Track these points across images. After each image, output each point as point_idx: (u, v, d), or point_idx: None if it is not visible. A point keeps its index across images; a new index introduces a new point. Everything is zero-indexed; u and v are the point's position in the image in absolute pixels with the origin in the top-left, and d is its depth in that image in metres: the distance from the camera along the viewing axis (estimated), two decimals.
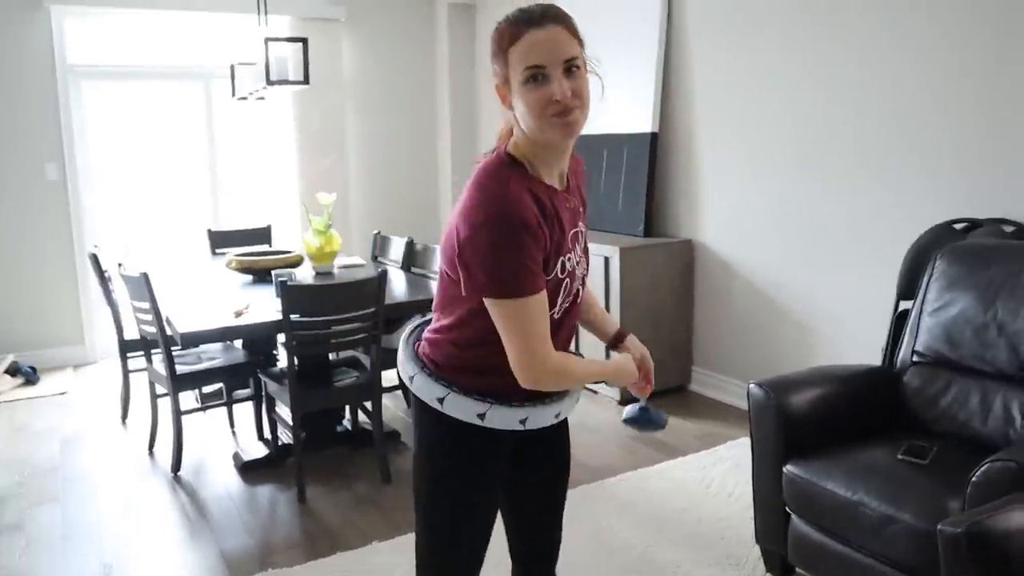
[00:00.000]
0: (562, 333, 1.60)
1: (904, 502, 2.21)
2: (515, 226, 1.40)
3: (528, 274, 1.42)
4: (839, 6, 3.70)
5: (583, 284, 1.63)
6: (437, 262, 4.40)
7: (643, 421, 1.83)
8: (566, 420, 1.77)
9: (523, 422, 1.57)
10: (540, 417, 1.59)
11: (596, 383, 1.64)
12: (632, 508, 3.26)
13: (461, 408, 1.54)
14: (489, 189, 1.44)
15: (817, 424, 2.62)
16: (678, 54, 4.55)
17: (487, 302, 1.45)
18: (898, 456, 2.42)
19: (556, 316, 1.54)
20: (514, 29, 1.43)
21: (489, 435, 1.57)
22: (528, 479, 1.76)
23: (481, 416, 1.53)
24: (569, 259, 1.54)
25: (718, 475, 3.53)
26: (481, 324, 1.49)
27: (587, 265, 1.65)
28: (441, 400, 1.55)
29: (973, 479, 2.01)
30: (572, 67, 1.43)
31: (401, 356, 1.66)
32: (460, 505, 1.61)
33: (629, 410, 1.84)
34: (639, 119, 4.69)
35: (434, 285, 4.17)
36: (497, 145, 1.56)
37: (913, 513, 2.17)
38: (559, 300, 1.54)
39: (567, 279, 1.54)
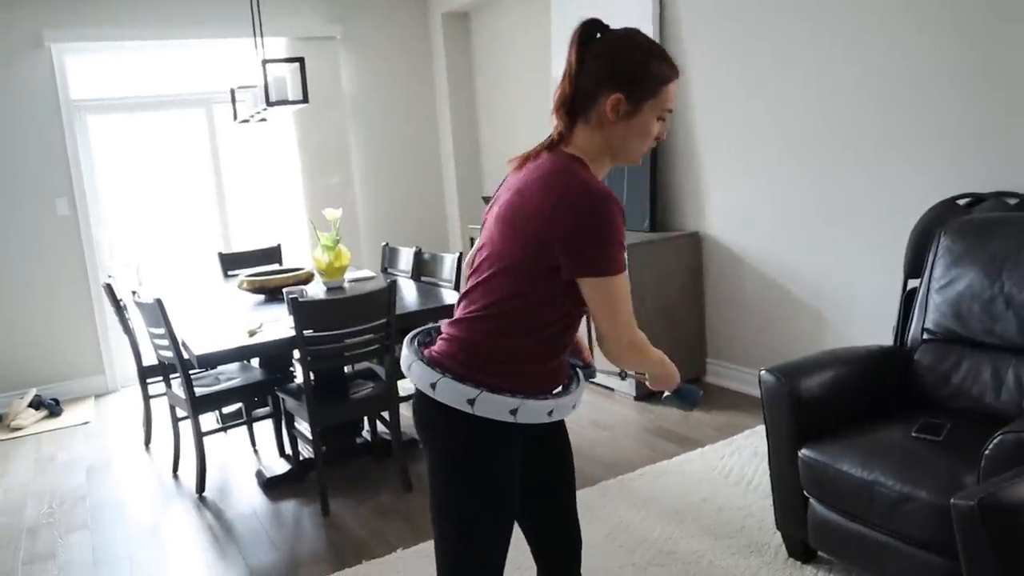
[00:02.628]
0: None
1: (920, 479, 2.22)
2: (616, 207, 1.52)
3: (624, 251, 1.55)
4: None
5: None
6: (446, 269, 4.43)
7: (682, 398, 1.83)
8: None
9: (550, 414, 1.61)
10: (563, 408, 1.65)
11: (641, 374, 1.73)
12: (652, 502, 3.28)
13: (492, 406, 1.56)
14: (582, 177, 1.54)
15: (830, 407, 2.63)
16: (672, 48, 4.57)
17: (590, 283, 1.53)
18: (912, 434, 2.43)
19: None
20: (667, 71, 1.60)
21: (510, 433, 1.61)
22: (538, 477, 1.79)
23: (513, 412, 1.57)
24: None
25: (736, 464, 3.54)
26: (546, 311, 1.58)
27: None
28: (472, 401, 1.56)
29: (986, 452, 2.02)
30: None
31: (414, 366, 1.64)
32: (493, 505, 1.63)
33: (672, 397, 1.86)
34: None
35: (444, 292, 4.22)
36: (543, 149, 1.64)
37: (929, 490, 2.17)
38: None
39: None
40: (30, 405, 5.23)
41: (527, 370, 1.61)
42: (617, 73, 1.56)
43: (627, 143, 1.61)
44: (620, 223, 1.52)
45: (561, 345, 1.65)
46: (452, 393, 1.58)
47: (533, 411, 1.59)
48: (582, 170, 1.56)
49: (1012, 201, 3.10)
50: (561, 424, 1.83)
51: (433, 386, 1.59)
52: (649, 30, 4.57)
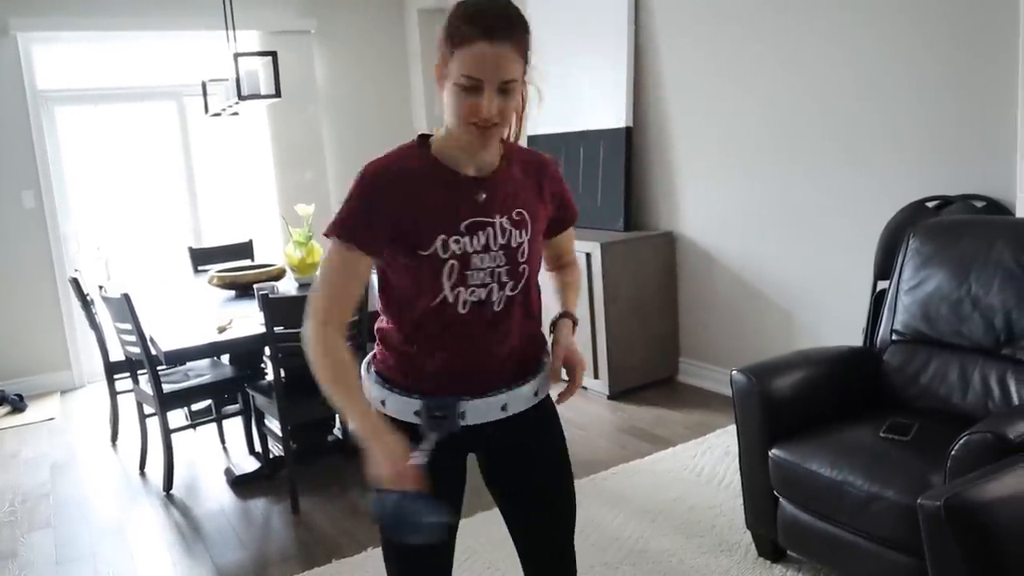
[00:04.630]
0: (474, 330, 1.56)
1: (888, 479, 2.24)
2: (360, 177, 1.53)
3: (351, 222, 1.51)
4: None
5: (512, 286, 1.58)
6: None
7: (394, 518, 1.42)
8: (550, 422, 1.70)
9: (417, 413, 1.56)
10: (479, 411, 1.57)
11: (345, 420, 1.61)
12: (623, 501, 3.28)
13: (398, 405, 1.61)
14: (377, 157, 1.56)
15: (801, 407, 2.65)
16: (648, 48, 4.58)
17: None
18: (880, 434, 2.45)
19: (450, 300, 1.53)
20: (467, 30, 1.42)
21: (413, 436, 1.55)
22: (514, 491, 1.71)
23: (382, 403, 1.60)
24: (457, 242, 1.52)
25: (708, 463, 3.55)
26: (391, 294, 1.60)
27: (516, 266, 1.58)
28: (383, 402, 1.61)
29: (952, 452, 2.04)
30: (507, 89, 1.46)
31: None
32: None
33: (377, 503, 1.45)
34: (613, 114, 4.72)
35: None
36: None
37: (897, 490, 2.19)
38: (446, 282, 1.52)
39: (453, 261, 1.52)
40: None
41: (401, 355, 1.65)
42: (437, 37, 1.49)
43: (449, 116, 1.49)
44: (354, 191, 1.52)
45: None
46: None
47: (399, 404, 1.59)
48: (397, 148, 1.59)
49: (979, 204, 3.14)
50: (546, 433, 1.70)
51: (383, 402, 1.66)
52: (624, 28, 4.57)
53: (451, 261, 1.52)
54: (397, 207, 1.51)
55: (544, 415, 1.69)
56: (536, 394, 1.64)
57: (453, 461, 1.62)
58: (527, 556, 1.76)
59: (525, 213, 1.60)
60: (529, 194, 1.63)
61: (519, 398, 1.60)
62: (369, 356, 1.69)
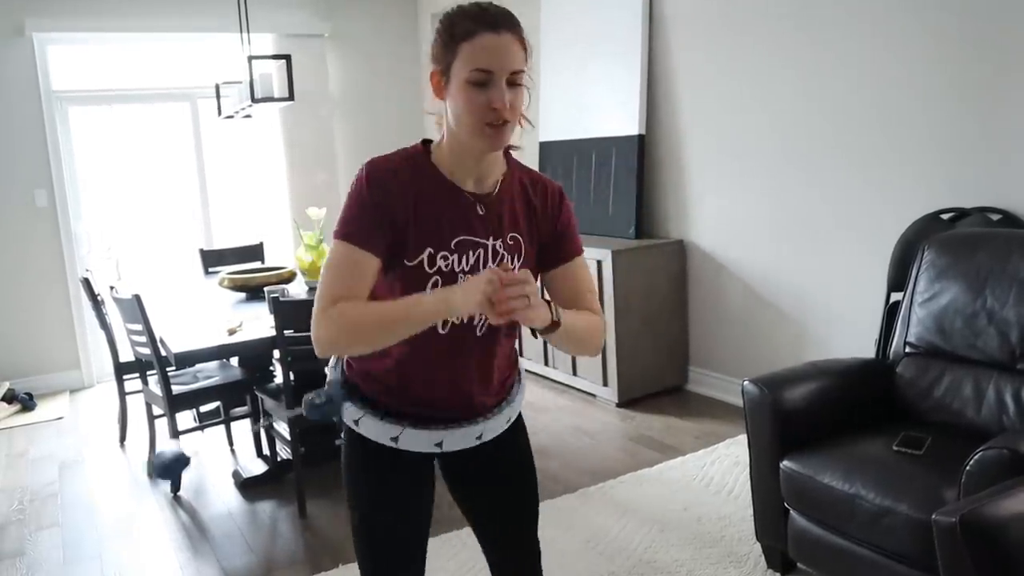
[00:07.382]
0: (454, 354, 1.53)
1: (901, 493, 2.21)
2: (361, 176, 1.46)
3: (355, 224, 1.44)
4: (818, 4, 3.72)
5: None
6: None
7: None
8: (515, 426, 1.69)
9: (395, 439, 1.56)
10: (411, 440, 1.57)
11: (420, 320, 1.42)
12: (632, 510, 3.26)
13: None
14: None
15: (812, 418, 2.63)
16: (662, 56, 4.57)
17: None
18: (894, 448, 2.43)
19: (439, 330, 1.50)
20: (470, 25, 1.40)
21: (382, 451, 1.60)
22: (477, 494, 1.73)
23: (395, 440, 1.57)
24: (445, 259, 1.48)
25: (717, 473, 3.53)
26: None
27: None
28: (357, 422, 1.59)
29: (967, 468, 2.02)
30: (516, 81, 1.43)
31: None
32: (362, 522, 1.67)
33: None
34: (625, 121, 4.71)
35: None
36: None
37: (910, 504, 2.17)
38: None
39: (437, 277, 1.48)
40: (3, 399, 5.15)
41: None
42: (432, 46, 1.47)
43: (457, 120, 1.44)
44: (354, 194, 1.46)
45: None
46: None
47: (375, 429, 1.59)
48: (398, 152, 1.52)
49: (996, 216, 3.11)
50: (511, 437, 1.69)
51: (356, 422, 1.66)
52: (638, 36, 4.56)
53: (435, 276, 1.48)
54: (395, 210, 1.46)
55: (511, 428, 1.69)
56: (508, 420, 1.65)
57: (423, 471, 1.65)
58: (495, 565, 1.79)
59: (520, 238, 1.56)
60: (526, 218, 1.57)
61: (495, 426, 1.62)
62: (343, 367, 1.66)
